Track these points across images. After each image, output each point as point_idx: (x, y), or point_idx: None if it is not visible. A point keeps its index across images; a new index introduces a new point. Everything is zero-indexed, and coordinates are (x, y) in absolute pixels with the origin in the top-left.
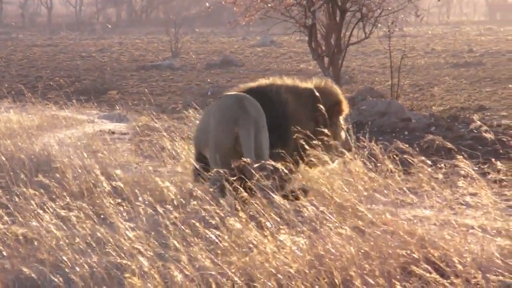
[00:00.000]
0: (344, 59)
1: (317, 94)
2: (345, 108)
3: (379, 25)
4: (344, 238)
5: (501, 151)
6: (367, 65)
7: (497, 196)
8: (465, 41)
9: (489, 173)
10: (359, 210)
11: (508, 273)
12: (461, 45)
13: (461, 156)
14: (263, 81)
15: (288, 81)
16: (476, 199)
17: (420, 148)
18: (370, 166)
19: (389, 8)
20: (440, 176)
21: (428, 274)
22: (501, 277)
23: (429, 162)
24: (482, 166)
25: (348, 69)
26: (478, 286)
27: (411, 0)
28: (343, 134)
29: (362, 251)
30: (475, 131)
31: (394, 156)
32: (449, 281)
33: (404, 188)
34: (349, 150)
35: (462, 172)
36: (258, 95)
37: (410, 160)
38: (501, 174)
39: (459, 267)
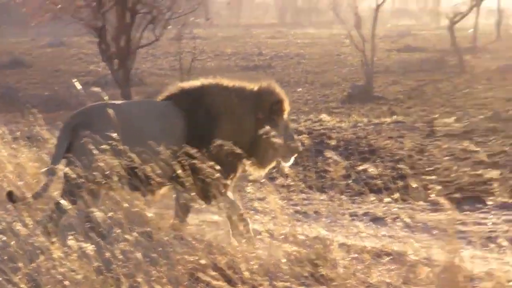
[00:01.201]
0: (134, 61)
1: (258, 92)
2: (287, 106)
3: (170, 27)
4: (132, 244)
5: None
6: (157, 67)
7: (285, 201)
8: (255, 44)
9: (277, 178)
10: (147, 215)
11: (294, 279)
12: (251, 48)
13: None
14: (205, 81)
15: (232, 82)
16: (264, 204)
17: (208, 152)
18: None
19: (179, 11)
20: (229, 181)
21: (215, 281)
22: (287, 284)
23: (218, 167)
24: (271, 171)
25: (138, 71)
26: None
27: (200, 3)
28: (288, 133)
29: (149, 257)
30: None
31: (183, 161)
32: None
33: (193, 194)
34: (297, 149)
35: (251, 177)
36: (196, 96)
37: (199, 166)
38: (289, 179)
39: (246, 273)
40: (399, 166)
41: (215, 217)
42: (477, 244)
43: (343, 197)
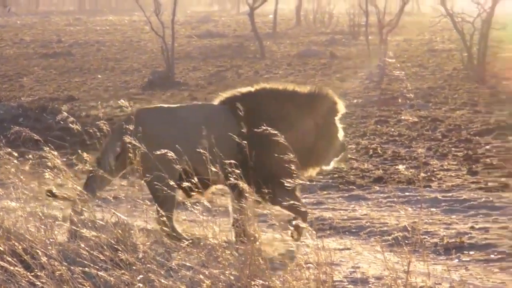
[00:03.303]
0: None
1: (314, 97)
2: (341, 108)
3: None
4: None
5: (88, 142)
6: None
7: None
8: (54, 31)
9: (77, 164)
10: None
11: (93, 264)
12: (50, 35)
13: (49, 148)
14: (259, 86)
15: (285, 86)
16: (64, 190)
17: (7, 139)
18: None
19: None
20: (27, 167)
21: (12, 267)
22: (86, 269)
23: (16, 154)
24: (70, 157)
25: None
26: (63, 277)
27: None
28: (340, 134)
29: None
30: (62, 122)
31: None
32: (33, 274)
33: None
34: (345, 149)
35: (50, 164)
36: (252, 102)
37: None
38: (88, 165)
39: (44, 259)
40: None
41: (13, 204)
42: (277, 227)
43: (143, 182)
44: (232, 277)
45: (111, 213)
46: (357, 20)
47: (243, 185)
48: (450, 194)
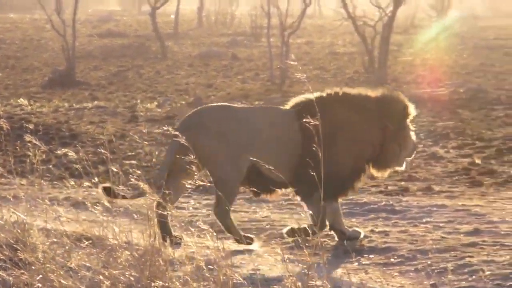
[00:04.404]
0: None
1: (383, 100)
2: (412, 111)
3: None
4: None
5: None
6: None
7: None
8: None
9: None
10: None
11: None
12: None
13: None
14: (330, 91)
15: (352, 90)
16: None
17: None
18: None
19: None
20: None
21: None
22: None
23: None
24: None
25: None
26: None
27: None
28: (412, 136)
29: None
30: None
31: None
32: None
33: None
34: (415, 148)
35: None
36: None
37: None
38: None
39: None
40: (100, 150)
41: None
42: (177, 228)
43: (43, 181)
44: (132, 278)
45: (10, 212)
46: (259, 22)
47: (143, 185)
48: (350, 198)
